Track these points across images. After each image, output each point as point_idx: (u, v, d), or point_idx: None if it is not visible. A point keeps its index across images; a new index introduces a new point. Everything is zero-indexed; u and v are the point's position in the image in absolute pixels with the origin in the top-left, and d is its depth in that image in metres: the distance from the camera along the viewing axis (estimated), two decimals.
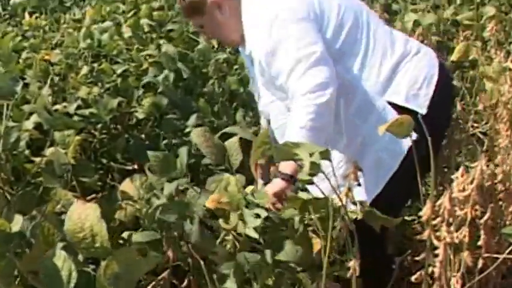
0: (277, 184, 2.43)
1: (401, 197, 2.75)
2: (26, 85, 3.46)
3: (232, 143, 2.50)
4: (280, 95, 2.68)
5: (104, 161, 3.14)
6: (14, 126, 2.56)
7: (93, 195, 2.70)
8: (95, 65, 3.89)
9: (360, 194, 2.16)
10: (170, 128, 3.30)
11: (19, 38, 4.68)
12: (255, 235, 2.06)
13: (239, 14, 2.72)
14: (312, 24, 2.57)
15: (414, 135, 1.88)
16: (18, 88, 3.04)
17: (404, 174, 2.56)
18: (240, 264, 2.05)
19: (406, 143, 2.53)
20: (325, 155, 1.83)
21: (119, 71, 3.70)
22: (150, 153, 2.33)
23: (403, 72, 2.66)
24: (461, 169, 1.85)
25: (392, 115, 2.57)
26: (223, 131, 2.97)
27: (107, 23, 4.81)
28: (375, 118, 2.61)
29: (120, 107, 3.32)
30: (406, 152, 2.57)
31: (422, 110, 2.60)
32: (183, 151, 2.35)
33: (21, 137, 2.61)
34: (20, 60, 4.00)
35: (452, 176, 1.85)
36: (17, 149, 2.55)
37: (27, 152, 2.68)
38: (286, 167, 2.43)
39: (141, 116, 3.31)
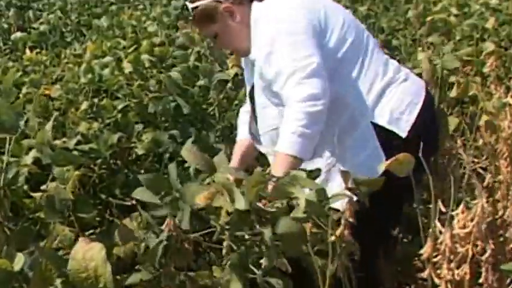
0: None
1: (381, 219, 2.76)
2: (25, 120, 3.46)
3: (220, 158, 2.52)
4: (275, 100, 2.76)
5: (103, 196, 3.12)
6: (13, 161, 2.55)
7: (92, 231, 2.69)
8: (95, 100, 3.90)
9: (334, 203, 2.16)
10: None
11: (20, 72, 4.69)
12: (243, 206, 2.07)
13: (249, 21, 2.80)
14: (312, 38, 2.65)
15: None
16: (21, 122, 3.04)
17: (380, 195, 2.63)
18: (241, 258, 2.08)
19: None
20: (323, 195, 1.85)
21: (119, 107, 3.69)
22: (140, 176, 2.36)
23: (390, 96, 2.74)
24: (461, 206, 1.84)
25: (373, 136, 2.69)
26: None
27: (108, 58, 4.83)
28: (358, 135, 2.71)
29: (120, 143, 3.32)
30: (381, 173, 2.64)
31: (403, 134, 2.69)
32: (172, 167, 2.38)
33: (20, 172, 2.60)
34: (20, 95, 4.01)
35: (453, 213, 1.83)
36: (16, 184, 2.54)
37: (25, 187, 2.67)
38: (277, 170, 2.46)
39: (140, 152, 3.30)
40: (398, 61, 4.64)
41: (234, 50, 3.09)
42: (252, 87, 2.95)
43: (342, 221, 1.99)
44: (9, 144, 2.49)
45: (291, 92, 2.55)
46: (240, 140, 3.17)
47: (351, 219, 1.98)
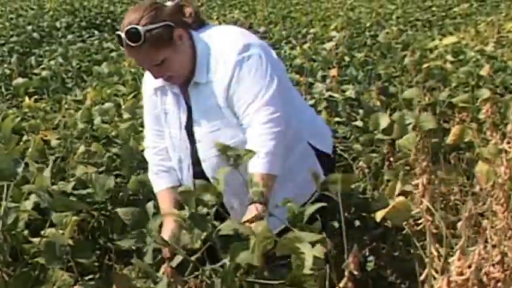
0: (252, 210, 2.48)
1: None
2: (25, 165, 3.47)
3: None
4: (234, 121, 2.82)
5: (102, 241, 3.12)
6: (13, 207, 2.56)
7: (91, 276, 2.69)
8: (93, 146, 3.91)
9: (270, 224, 2.22)
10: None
11: (19, 118, 4.71)
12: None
13: (192, 45, 2.86)
14: (273, 68, 2.83)
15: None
16: (20, 169, 3.04)
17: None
18: None
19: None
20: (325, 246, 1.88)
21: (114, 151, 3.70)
22: (119, 210, 2.53)
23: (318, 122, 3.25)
24: (458, 252, 1.85)
25: (312, 155, 2.98)
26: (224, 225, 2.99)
27: (108, 105, 4.87)
28: (298, 152, 2.94)
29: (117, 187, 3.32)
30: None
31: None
32: (149, 206, 2.55)
33: (20, 217, 2.61)
34: (21, 142, 4.03)
35: (450, 260, 1.84)
36: (15, 229, 2.55)
37: (25, 232, 2.68)
38: (263, 190, 2.49)
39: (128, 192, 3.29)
40: (395, 108, 4.69)
41: (176, 76, 2.89)
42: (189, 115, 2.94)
43: (346, 273, 2.00)
44: (7, 191, 2.51)
45: (256, 115, 2.70)
46: (172, 189, 3.01)
47: (355, 272, 1.99)
